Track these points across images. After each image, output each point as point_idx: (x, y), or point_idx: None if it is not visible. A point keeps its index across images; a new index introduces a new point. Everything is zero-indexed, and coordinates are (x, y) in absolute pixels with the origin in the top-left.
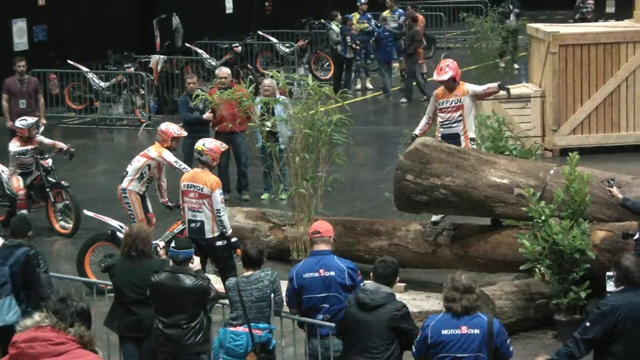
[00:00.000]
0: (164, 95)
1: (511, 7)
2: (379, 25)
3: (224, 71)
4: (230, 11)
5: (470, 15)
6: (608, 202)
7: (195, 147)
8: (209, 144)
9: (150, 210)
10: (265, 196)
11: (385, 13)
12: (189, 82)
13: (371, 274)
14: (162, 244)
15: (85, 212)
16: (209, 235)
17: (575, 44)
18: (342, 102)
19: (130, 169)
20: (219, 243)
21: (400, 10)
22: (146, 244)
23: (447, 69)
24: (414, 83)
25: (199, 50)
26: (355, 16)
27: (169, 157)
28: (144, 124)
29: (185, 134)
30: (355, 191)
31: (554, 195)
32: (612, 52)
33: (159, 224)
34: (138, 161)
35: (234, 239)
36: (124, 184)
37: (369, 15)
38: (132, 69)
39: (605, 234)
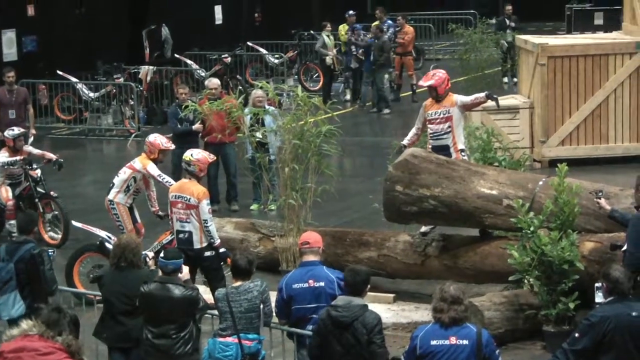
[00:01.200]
0: (154, 106)
1: (507, 21)
2: (369, 36)
3: (214, 82)
4: (220, 22)
5: (459, 27)
6: (597, 213)
7: (183, 157)
8: (196, 155)
9: (139, 221)
10: (254, 207)
11: (374, 24)
12: (180, 93)
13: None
14: (151, 254)
15: (74, 222)
16: (197, 245)
17: (564, 55)
18: (332, 113)
19: (116, 180)
20: (208, 253)
21: (390, 22)
22: (135, 254)
23: (433, 77)
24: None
25: (189, 61)
26: (343, 28)
27: (153, 170)
28: (133, 135)
29: (173, 147)
30: (344, 202)
31: (543, 206)
32: (600, 64)
33: (148, 234)
34: (124, 173)
35: (222, 250)
36: (111, 196)
37: (358, 27)
38: (121, 80)
39: (594, 245)
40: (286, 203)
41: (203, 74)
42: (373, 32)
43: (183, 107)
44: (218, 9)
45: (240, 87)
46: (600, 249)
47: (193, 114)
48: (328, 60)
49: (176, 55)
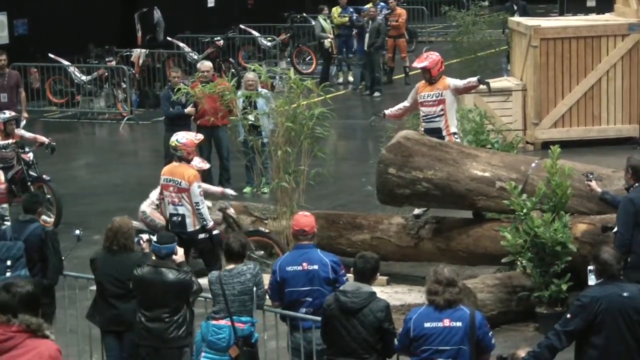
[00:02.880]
0: (146, 89)
1: (515, 7)
2: (359, 19)
3: (206, 65)
4: (212, 5)
5: (452, 9)
6: (589, 195)
7: (170, 142)
8: (181, 139)
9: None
10: (247, 190)
11: (369, 6)
12: (173, 76)
13: (351, 269)
14: (145, 237)
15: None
16: (190, 228)
17: (557, 37)
18: (324, 95)
19: (153, 194)
20: (201, 236)
21: (382, 4)
22: (127, 237)
23: (426, 59)
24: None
25: (181, 44)
26: (336, 10)
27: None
28: (126, 118)
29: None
30: (337, 185)
31: (536, 188)
32: (592, 46)
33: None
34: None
35: (215, 231)
36: (143, 207)
37: (351, 9)
38: (113, 63)
39: (586, 227)
40: (279, 186)
41: (195, 57)
42: (369, 14)
43: (175, 90)
44: None
45: (233, 70)
46: (593, 231)
47: (185, 97)
48: (327, 43)
49: (168, 38)
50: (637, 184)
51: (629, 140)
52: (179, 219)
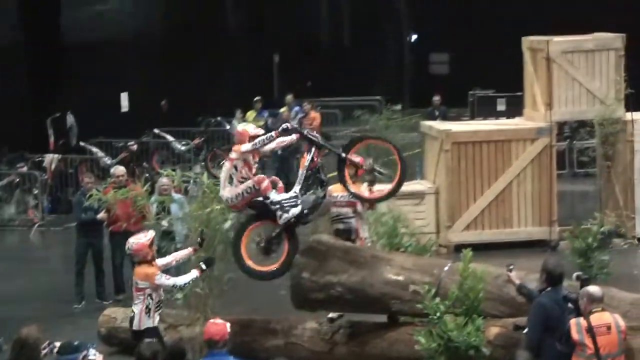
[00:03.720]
0: (58, 194)
1: (437, 112)
2: (274, 122)
3: (120, 170)
4: (126, 109)
5: (364, 113)
6: (502, 298)
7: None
8: (131, 247)
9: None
10: None
11: (283, 110)
12: (86, 182)
13: None
14: (58, 344)
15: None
16: (135, 327)
17: (468, 141)
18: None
19: (221, 179)
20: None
21: (297, 108)
22: (34, 349)
23: None
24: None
25: (94, 149)
26: (251, 114)
27: (246, 146)
28: (37, 224)
29: (262, 131)
30: (251, 289)
31: (449, 291)
32: (503, 150)
33: None
34: (224, 167)
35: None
36: (224, 195)
37: (265, 113)
38: (25, 169)
39: (499, 330)
40: (192, 292)
41: (109, 162)
42: (283, 117)
43: (87, 195)
44: (124, 96)
45: (147, 175)
46: (506, 334)
47: (98, 203)
48: None
49: (81, 143)
50: (549, 288)
51: (540, 243)
52: (132, 315)
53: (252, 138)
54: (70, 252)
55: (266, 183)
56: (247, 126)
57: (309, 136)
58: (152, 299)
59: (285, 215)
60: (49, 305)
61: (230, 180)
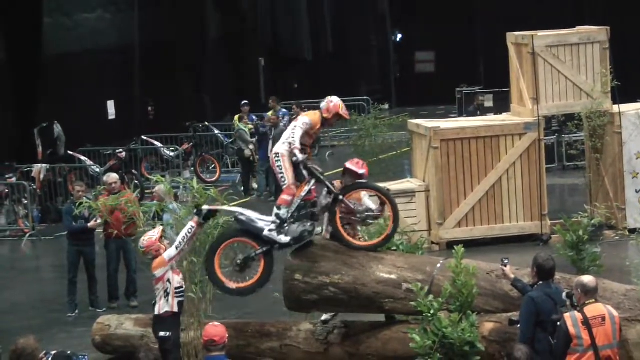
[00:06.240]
0: (48, 204)
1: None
2: (263, 125)
3: (113, 177)
4: (113, 117)
5: (352, 114)
6: (495, 293)
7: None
8: (142, 245)
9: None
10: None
11: (269, 114)
12: (77, 190)
13: None
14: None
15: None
16: (156, 312)
17: (456, 138)
18: (228, 204)
19: (284, 135)
20: (161, 334)
21: (284, 110)
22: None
23: (363, 166)
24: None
25: (83, 158)
26: (238, 118)
27: (300, 120)
28: (28, 234)
29: (349, 117)
30: None
31: (442, 289)
32: (492, 145)
33: None
34: (292, 125)
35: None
36: (276, 149)
37: (253, 117)
38: (13, 179)
39: (493, 326)
40: (186, 296)
41: (98, 170)
42: (271, 120)
43: (77, 204)
44: (111, 104)
45: (136, 182)
46: (500, 329)
47: (88, 211)
48: (247, 152)
49: (69, 152)
50: (540, 282)
51: (532, 237)
52: (153, 303)
53: (338, 115)
54: (61, 261)
55: (287, 197)
56: (341, 103)
57: (313, 170)
58: (169, 282)
59: (274, 235)
60: (42, 314)
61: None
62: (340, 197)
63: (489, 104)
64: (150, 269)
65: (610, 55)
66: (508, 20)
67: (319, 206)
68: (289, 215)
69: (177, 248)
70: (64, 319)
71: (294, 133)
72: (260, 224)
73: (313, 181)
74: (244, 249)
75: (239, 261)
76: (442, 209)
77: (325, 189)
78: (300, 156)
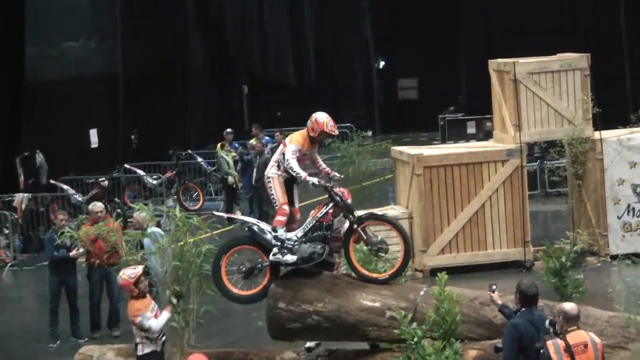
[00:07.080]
0: (30, 233)
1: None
2: (247, 153)
3: (98, 206)
4: (96, 145)
5: (335, 141)
6: (479, 320)
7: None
8: (119, 280)
9: (296, 206)
10: None
11: (252, 141)
12: (60, 219)
13: None
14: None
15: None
16: (139, 353)
17: (439, 165)
18: (211, 232)
19: (274, 156)
20: None
21: (267, 138)
22: None
23: (348, 195)
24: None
25: (65, 187)
26: (221, 146)
27: (289, 151)
28: (9, 264)
29: (337, 133)
30: (228, 321)
31: (425, 316)
32: (475, 172)
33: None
34: (280, 149)
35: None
36: (266, 173)
37: (236, 145)
38: None
39: (477, 353)
40: (168, 326)
41: (80, 199)
42: (256, 148)
43: (59, 233)
44: (93, 132)
45: (119, 210)
46: (484, 357)
47: (70, 240)
48: (230, 180)
49: (52, 181)
50: (523, 309)
51: (515, 264)
52: (136, 342)
53: (324, 133)
54: (43, 291)
55: (281, 218)
56: (327, 120)
57: (333, 194)
58: (148, 332)
59: (279, 257)
60: (24, 344)
61: (278, 165)
62: (355, 226)
63: (471, 130)
64: None
65: (591, 81)
66: (491, 47)
67: (334, 228)
68: (304, 233)
69: (147, 318)
70: (45, 349)
71: (289, 163)
72: (270, 237)
73: (331, 204)
74: (254, 257)
75: (244, 268)
76: (425, 235)
77: (342, 213)
78: (314, 180)
